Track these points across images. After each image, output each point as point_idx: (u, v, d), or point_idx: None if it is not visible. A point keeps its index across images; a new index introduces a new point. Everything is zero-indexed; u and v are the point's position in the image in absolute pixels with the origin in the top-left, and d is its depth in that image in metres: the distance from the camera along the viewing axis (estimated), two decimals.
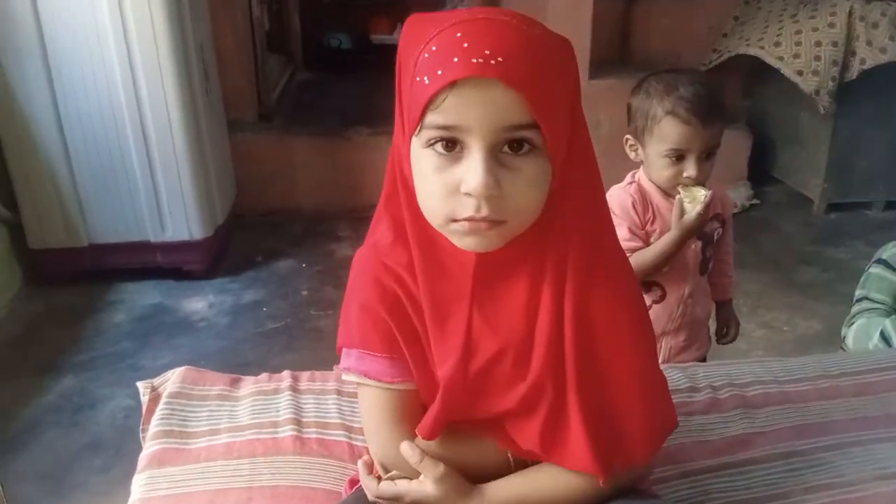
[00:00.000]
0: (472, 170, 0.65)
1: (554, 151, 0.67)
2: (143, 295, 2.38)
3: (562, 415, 0.73)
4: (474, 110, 0.63)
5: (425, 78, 0.63)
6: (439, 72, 0.62)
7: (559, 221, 0.71)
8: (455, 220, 0.67)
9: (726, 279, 1.43)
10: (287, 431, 0.99)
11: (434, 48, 0.63)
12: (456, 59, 0.62)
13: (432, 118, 0.65)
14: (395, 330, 0.75)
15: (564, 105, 0.68)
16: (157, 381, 1.08)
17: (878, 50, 2.74)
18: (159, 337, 2.18)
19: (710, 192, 1.21)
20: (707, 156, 1.22)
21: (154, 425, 0.99)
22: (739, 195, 3.08)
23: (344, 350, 0.79)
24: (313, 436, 0.99)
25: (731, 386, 1.10)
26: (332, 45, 3.80)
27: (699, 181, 1.21)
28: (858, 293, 1.85)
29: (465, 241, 0.69)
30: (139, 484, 0.91)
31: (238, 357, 2.09)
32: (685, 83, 1.20)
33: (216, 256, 2.53)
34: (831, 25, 2.73)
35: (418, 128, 0.66)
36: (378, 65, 3.75)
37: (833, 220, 2.97)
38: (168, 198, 2.33)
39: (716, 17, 3.27)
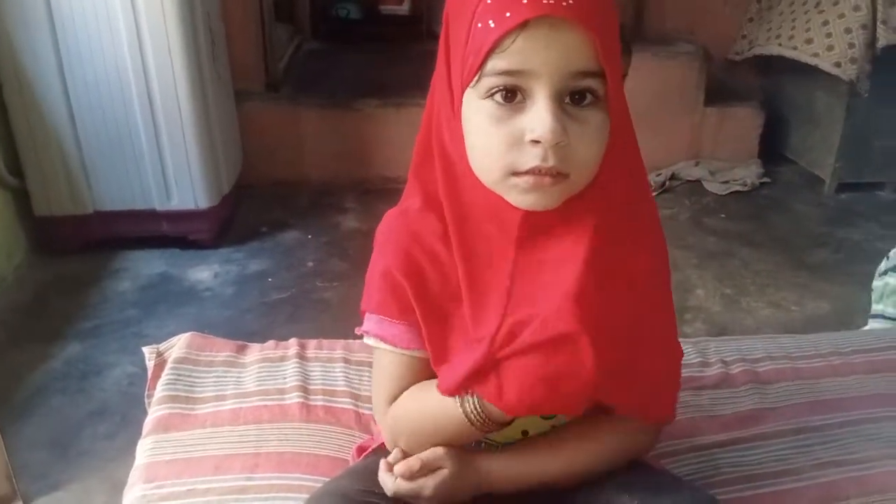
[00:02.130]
0: (538, 116, 0.62)
1: (614, 103, 0.65)
2: (148, 263, 2.37)
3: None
4: (543, 53, 0.61)
5: (490, 21, 0.61)
6: (507, 14, 0.60)
7: (601, 182, 0.68)
8: (516, 174, 0.64)
9: None
10: (294, 398, 0.98)
11: None
12: (525, 0, 0.60)
13: (495, 63, 0.62)
14: (413, 299, 0.73)
15: (620, 58, 0.66)
16: (162, 346, 1.08)
17: (892, 30, 2.70)
18: (164, 306, 2.18)
19: None
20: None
21: (160, 390, 0.99)
22: (750, 173, 3.05)
23: (366, 314, 0.78)
24: (320, 403, 0.98)
25: (743, 361, 1.09)
26: (341, 15, 3.74)
27: None
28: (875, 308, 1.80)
29: (524, 199, 0.66)
30: (144, 448, 0.91)
31: (243, 327, 2.08)
32: None
33: (222, 226, 2.51)
34: (856, 9, 2.69)
35: (476, 77, 0.63)
36: (387, 36, 3.73)
37: (844, 201, 2.94)
38: (174, 166, 2.31)
39: None
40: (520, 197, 0.66)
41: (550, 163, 0.62)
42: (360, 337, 0.80)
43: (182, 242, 2.42)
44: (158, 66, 2.17)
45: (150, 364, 1.05)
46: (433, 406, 0.74)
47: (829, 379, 1.06)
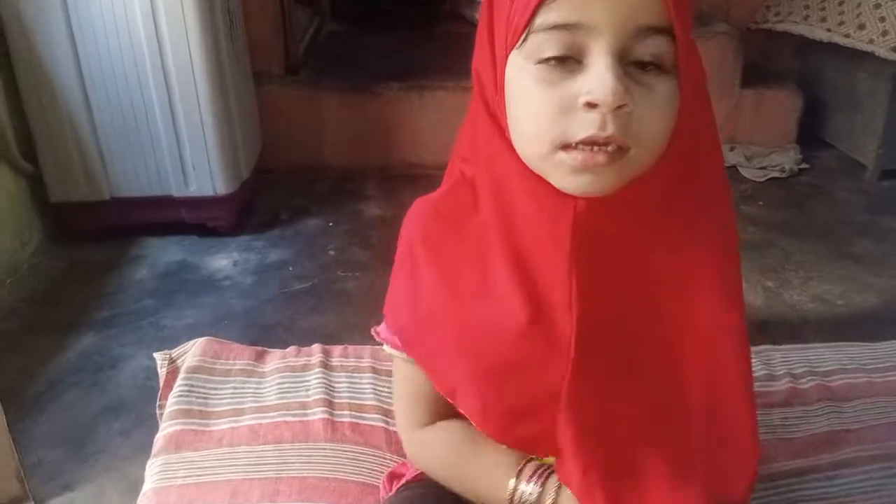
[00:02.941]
0: (597, 75, 0.51)
1: (685, 70, 0.54)
2: (166, 251, 2.31)
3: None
4: (602, 2, 0.51)
5: None
6: None
7: (679, 169, 0.58)
8: (566, 148, 0.53)
9: None
10: (318, 414, 0.90)
11: None
12: None
13: (546, 17, 0.52)
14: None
15: (691, 18, 0.55)
16: (175, 352, 1.00)
17: None
18: (182, 295, 2.11)
19: None
20: None
21: (171, 403, 0.90)
22: (788, 159, 2.92)
23: (386, 317, 0.69)
24: (346, 420, 0.90)
25: (813, 374, 0.99)
26: None
27: None
28: None
29: (573, 181, 0.55)
30: (153, 470, 0.83)
31: (263, 318, 2.01)
32: None
33: (241, 213, 2.44)
34: None
35: (524, 35, 0.53)
36: (409, 17, 3.63)
37: (888, 188, 2.81)
38: (192, 151, 2.23)
39: None
40: (568, 178, 0.55)
41: (609, 131, 0.52)
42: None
43: (201, 230, 2.36)
44: (175, 48, 2.09)
45: (161, 372, 0.97)
46: (476, 471, 0.65)
47: None
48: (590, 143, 0.52)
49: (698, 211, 0.61)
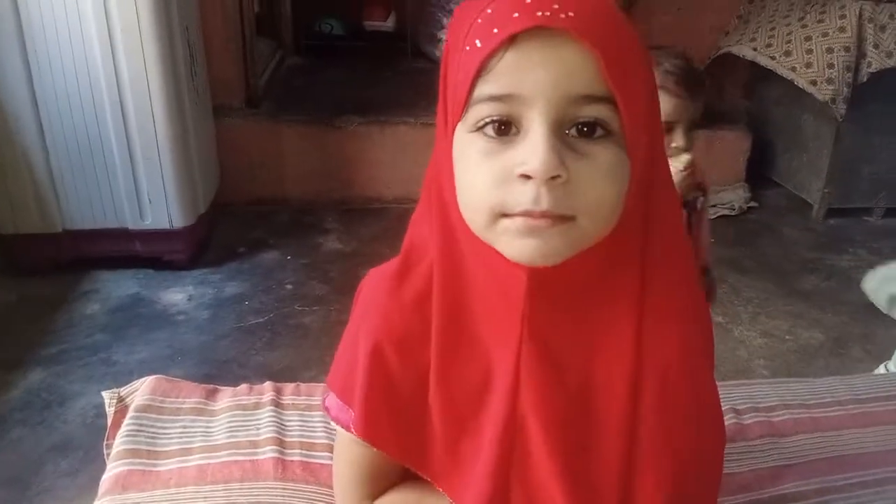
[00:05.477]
0: (531, 147, 0.51)
1: (633, 138, 0.53)
2: (119, 285, 2.27)
3: None
4: (537, 72, 0.51)
5: (477, 41, 0.52)
6: (495, 30, 0.51)
7: (633, 237, 0.57)
8: (506, 216, 0.53)
9: (704, 244, 1.37)
10: (268, 453, 0.89)
11: (490, 10, 0.52)
12: (517, 15, 0.50)
13: (482, 89, 0.52)
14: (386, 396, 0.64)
15: (644, 86, 0.55)
16: (124, 390, 0.98)
17: (885, 54, 2.67)
18: (135, 330, 2.08)
19: (690, 153, 1.20)
20: (692, 126, 1.22)
21: (119, 443, 0.89)
22: (737, 197, 3.01)
23: (330, 390, 0.69)
24: (297, 458, 0.89)
25: (756, 410, 1.01)
26: (324, 30, 3.68)
27: (687, 150, 1.20)
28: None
29: (519, 246, 0.53)
30: None
31: (217, 353, 1.99)
32: (668, 57, 1.18)
33: (198, 246, 2.42)
34: (842, 30, 2.66)
35: (465, 107, 0.53)
36: (371, 52, 3.67)
37: (833, 226, 2.91)
38: (148, 184, 2.22)
39: (719, 14, 3.20)
40: (514, 243, 0.53)
41: (543, 205, 0.51)
42: None
43: (156, 263, 2.33)
44: (133, 80, 2.09)
45: (109, 411, 0.95)
46: None
47: (848, 430, 0.98)
48: (526, 215, 0.52)
49: (659, 282, 0.60)
